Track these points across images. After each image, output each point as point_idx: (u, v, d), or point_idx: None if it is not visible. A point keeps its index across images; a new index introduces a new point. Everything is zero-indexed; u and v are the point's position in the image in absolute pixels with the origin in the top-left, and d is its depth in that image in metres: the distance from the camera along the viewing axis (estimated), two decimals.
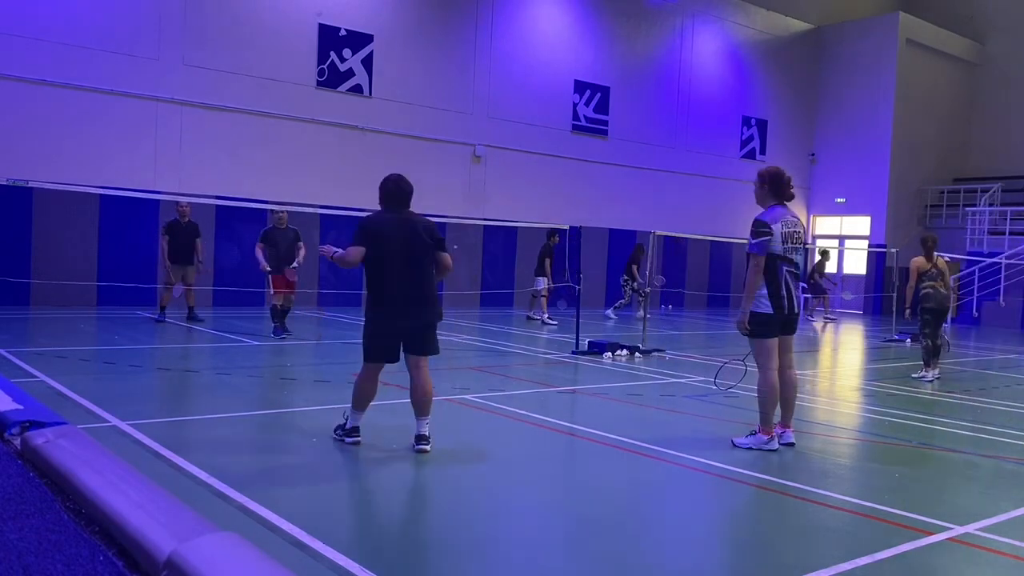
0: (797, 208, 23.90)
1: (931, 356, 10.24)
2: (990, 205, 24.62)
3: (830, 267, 23.22)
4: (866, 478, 5.63)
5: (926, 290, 10.21)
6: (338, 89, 17.67)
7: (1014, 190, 25.02)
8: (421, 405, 5.51)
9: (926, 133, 26.14)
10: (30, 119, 14.34)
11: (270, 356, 10.23)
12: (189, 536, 1.27)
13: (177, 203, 13.19)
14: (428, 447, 5.42)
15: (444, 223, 17.05)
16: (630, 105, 22.48)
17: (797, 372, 6.50)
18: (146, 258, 14.95)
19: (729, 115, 24.82)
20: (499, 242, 19.79)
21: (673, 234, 17.73)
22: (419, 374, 5.55)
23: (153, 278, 14.18)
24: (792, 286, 6.04)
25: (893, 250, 19.06)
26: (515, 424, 6.68)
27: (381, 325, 5.52)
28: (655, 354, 11.56)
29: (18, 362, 8.27)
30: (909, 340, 14.88)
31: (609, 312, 18.30)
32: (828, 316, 20.47)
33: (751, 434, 6.08)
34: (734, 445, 6.04)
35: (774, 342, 6.03)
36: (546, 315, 15.95)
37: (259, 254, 11.46)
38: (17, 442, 1.91)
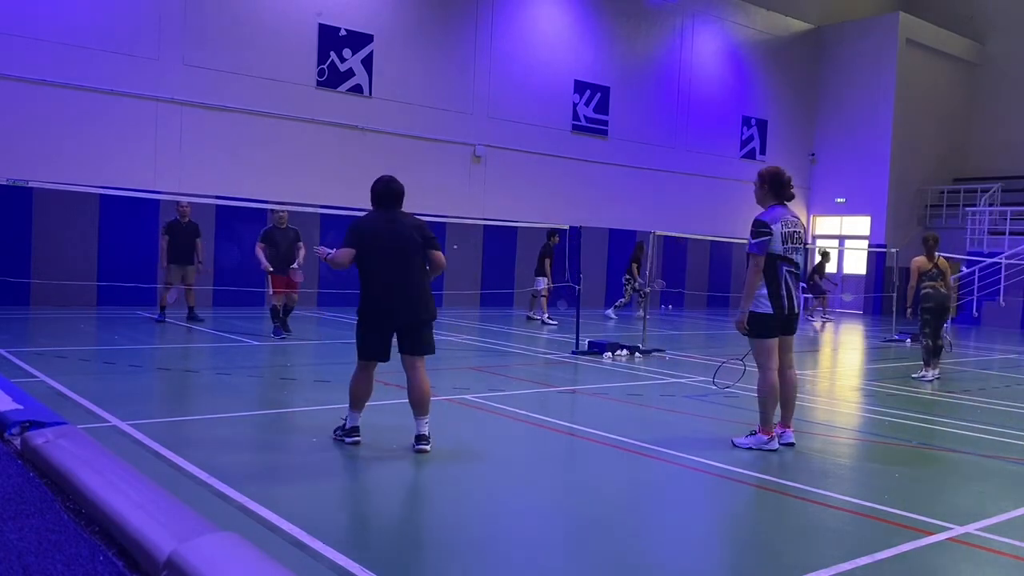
0: (797, 208, 23.90)
1: (931, 356, 10.23)
2: (990, 205, 24.62)
3: (830, 268, 23.21)
4: (866, 478, 5.63)
5: (926, 290, 10.21)
6: (338, 89, 17.67)
7: (1014, 190, 25.02)
8: (419, 405, 5.52)
9: (926, 133, 26.15)
10: (30, 119, 14.34)
11: (270, 356, 10.24)
12: (189, 536, 1.27)
13: (177, 203, 13.19)
14: (428, 447, 5.43)
15: (444, 223, 17.07)
16: (630, 105, 22.48)
17: (797, 372, 6.50)
18: (146, 258, 14.94)
19: (729, 115, 24.83)
20: (499, 242, 19.79)
21: (673, 234, 17.73)
22: (415, 374, 5.55)
23: (153, 278, 14.18)
24: (792, 286, 6.04)
25: (893, 250, 19.06)
26: (515, 424, 6.68)
27: (371, 324, 5.56)
28: (655, 354, 11.56)
29: (18, 362, 8.27)
30: (909, 340, 14.88)
31: (609, 312, 18.30)
32: (826, 316, 20.48)
33: (751, 434, 6.08)
34: (734, 445, 6.04)
35: (774, 342, 6.03)
36: (546, 315, 15.95)
37: (260, 254, 11.46)
38: (17, 442, 1.92)
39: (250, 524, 3.90)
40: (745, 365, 7.02)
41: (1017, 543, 4.19)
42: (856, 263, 26.37)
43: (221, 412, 6.72)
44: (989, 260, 22.16)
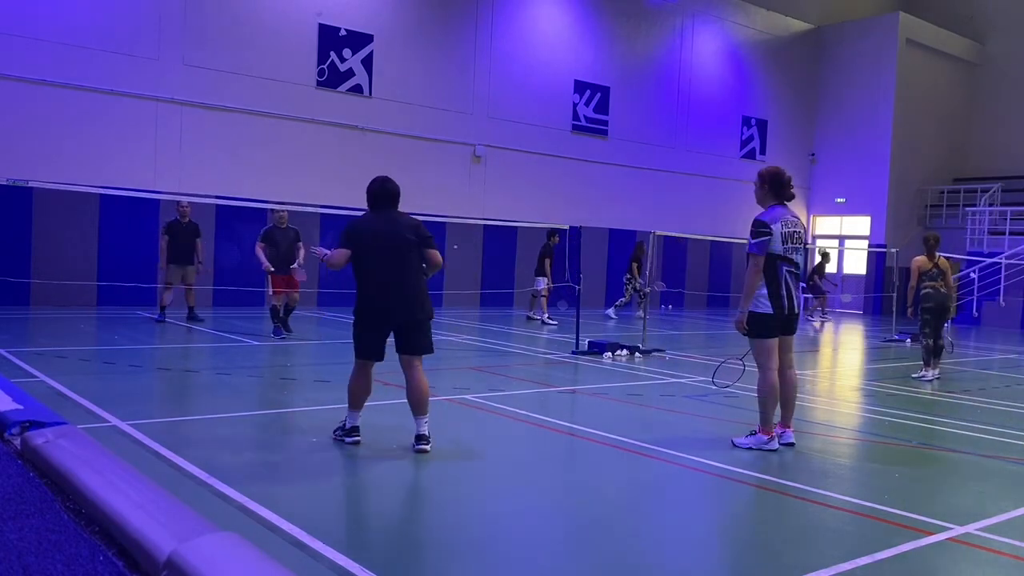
0: (797, 208, 23.90)
1: (931, 356, 10.23)
2: (990, 205, 24.62)
3: (830, 268, 23.22)
4: (866, 478, 5.63)
5: (926, 290, 10.21)
6: (338, 89, 17.67)
7: (1014, 190, 25.02)
8: (418, 404, 5.52)
9: (926, 133, 26.15)
10: (30, 119, 14.35)
11: (270, 356, 10.24)
12: (189, 536, 1.27)
13: (177, 203, 13.19)
14: (428, 447, 5.43)
15: (444, 223, 17.08)
16: (630, 105, 22.48)
17: (797, 372, 6.50)
18: (146, 258, 14.94)
19: (729, 115, 24.83)
20: (499, 242, 19.79)
21: (673, 234, 17.73)
22: (413, 374, 5.56)
23: (153, 278, 14.17)
24: (792, 286, 6.04)
25: (893, 250, 19.06)
26: (515, 424, 6.68)
27: (368, 323, 5.59)
28: (655, 354, 11.56)
29: (18, 362, 8.27)
30: (909, 340, 14.88)
31: (610, 311, 18.30)
32: (824, 316, 20.49)
33: (751, 434, 6.08)
34: (734, 445, 6.04)
35: (774, 342, 6.03)
36: (546, 315, 15.95)
37: (260, 254, 11.45)
38: (17, 442, 1.92)
39: (250, 524, 3.90)
40: (744, 365, 7.02)
41: (1017, 543, 4.19)
42: (856, 263, 26.37)
43: (221, 412, 6.72)
44: (989, 260, 22.16)
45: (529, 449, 6.01)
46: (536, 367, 10.36)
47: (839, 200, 26.41)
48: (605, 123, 22.01)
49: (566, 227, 14.92)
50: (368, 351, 5.61)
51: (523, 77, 20.44)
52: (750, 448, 5.96)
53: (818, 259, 20.95)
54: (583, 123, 21.60)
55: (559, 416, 7.06)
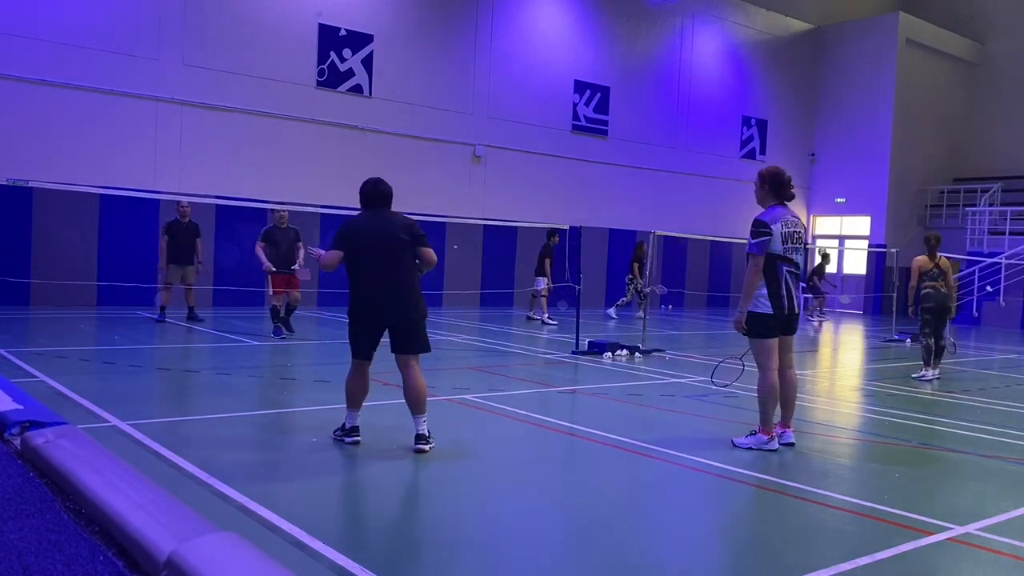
0: (797, 208, 23.89)
1: (931, 356, 10.23)
2: (990, 205, 24.62)
3: (830, 269, 23.21)
4: (866, 478, 5.63)
5: (927, 290, 10.21)
6: (338, 89, 17.67)
7: (1014, 190, 25.02)
8: (415, 403, 5.53)
9: (926, 133, 26.15)
10: (30, 119, 14.35)
11: (270, 356, 10.24)
12: (189, 536, 1.27)
13: (178, 203, 13.19)
14: (427, 447, 5.42)
15: (444, 223, 17.07)
16: (630, 105, 22.48)
17: (797, 372, 6.50)
18: (146, 258, 14.94)
19: (729, 115, 24.83)
20: (499, 242, 19.79)
21: (673, 234, 17.73)
22: (410, 373, 5.57)
23: (153, 278, 14.16)
24: (792, 286, 6.04)
25: (893, 250, 19.06)
26: (515, 424, 6.68)
27: (362, 323, 5.62)
28: (655, 354, 11.56)
29: (18, 362, 8.27)
30: (909, 340, 14.88)
31: (611, 311, 18.32)
32: (822, 316, 20.50)
33: (751, 434, 6.08)
34: (734, 445, 6.04)
35: (774, 342, 6.03)
36: (546, 315, 15.95)
37: (260, 253, 11.45)
38: (17, 442, 1.92)
39: (250, 524, 3.90)
40: (744, 364, 7.02)
41: (1017, 543, 4.19)
42: (856, 263, 26.37)
43: (221, 412, 6.72)
44: (989, 260, 22.16)
45: (529, 449, 6.01)
46: (536, 367, 10.36)
47: (839, 200, 26.41)
48: (605, 123, 22.01)
49: (566, 227, 14.92)
50: (364, 351, 5.63)
51: (523, 77, 20.44)
52: (750, 448, 5.96)
53: (818, 260, 20.95)
54: (583, 123, 21.60)
55: (559, 416, 7.06)
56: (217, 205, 15.04)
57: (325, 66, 17.46)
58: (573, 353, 11.27)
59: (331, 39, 17.49)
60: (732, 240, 18.56)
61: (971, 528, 4.35)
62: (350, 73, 17.78)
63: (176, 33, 15.72)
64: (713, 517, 4.78)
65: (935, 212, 26.34)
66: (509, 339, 13.27)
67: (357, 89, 17.91)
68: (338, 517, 4.47)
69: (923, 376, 10.19)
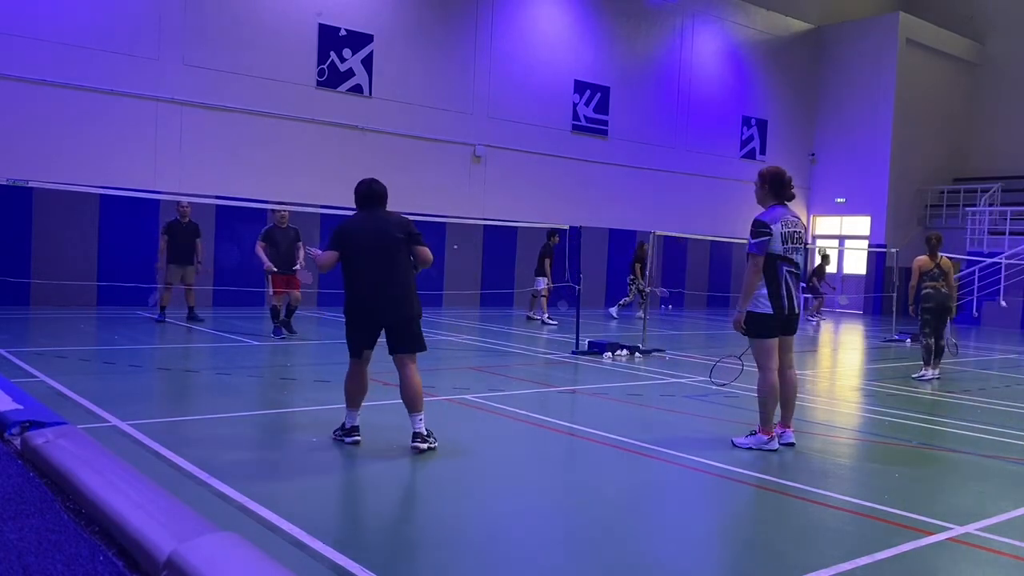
0: (797, 208, 23.88)
1: (931, 356, 10.23)
2: (990, 205, 24.62)
3: (830, 269, 23.22)
4: (866, 478, 5.63)
5: (927, 290, 10.21)
6: (338, 89, 17.67)
7: (1014, 190, 25.02)
8: (411, 401, 5.54)
9: (926, 133, 26.14)
10: (30, 119, 14.35)
11: (270, 356, 10.24)
12: (189, 536, 1.27)
13: (178, 203, 13.19)
14: (424, 445, 5.42)
15: (444, 223, 17.08)
16: (630, 105, 22.48)
17: (797, 372, 6.50)
18: (146, 258, 14.93)
19: (729, 115, 24.83)
20: (499, 242, 19.79)
21: (673, 234, 17.73)
22: (406, 372, 5.58)
23: (153, 278, 14.17)
24: (792, 286, 6.04)
25: (893, 250, 19.06)
26: (515, 424, 6.68)
27: (358, 322, 5.64)
28: (655, 354, 11.56)
29: (18, 362, 8.27)
30: (909, 340, 14.88)
31: (612, 310, 18.33)
32: (820, 316, 20.50)
33: (751, 434, 6.08)
34: (734, 445, 6.04)
35: (774, 342, 6.03)
36: (546, 315, 15.95)
37: (261, 253, 11.44)
38: (17, 442, 1.92)
39: (250, 524, 3.90)
40: (743, 363, 7.02)
41: (1017, 543, 4.19)
42: (856, 263, 26.37)
43: (221, 412, 6.72)
44: (989, 260, 22.16)
45: (529, 449, 6.01)
46: (536, 367, 10.36)
47: (839, 200, 26.41)
48: (605, 123, 22.01)
49: (566, 227, 14.92)
50: (361, 350, 5.66)
51: (523, 77, 20.44)
52: (750, 448, 5.96)
53: (818, 260, 20.94)
54: (583, 123, 21.60)
55: (559, 416, 7.06)
56: (217, 205, 15.04)
57: (325, 66, 17.46)
58: (573, 353, 11.27)
59: (331, 39, 17.49)
60: (732, 240, 18.57)
61: (971, 528, 4.35)
62: (350, 73, 17.78)
63: (176, 33, 15.72)
64: (713, 517, 4.78)
65: (935, 212, 26.34)
66: (509, 339, 13.27)
67: (357, 89, 17.91)
68: (338, 517, 4.47)
69: (923, 376, 10.19)
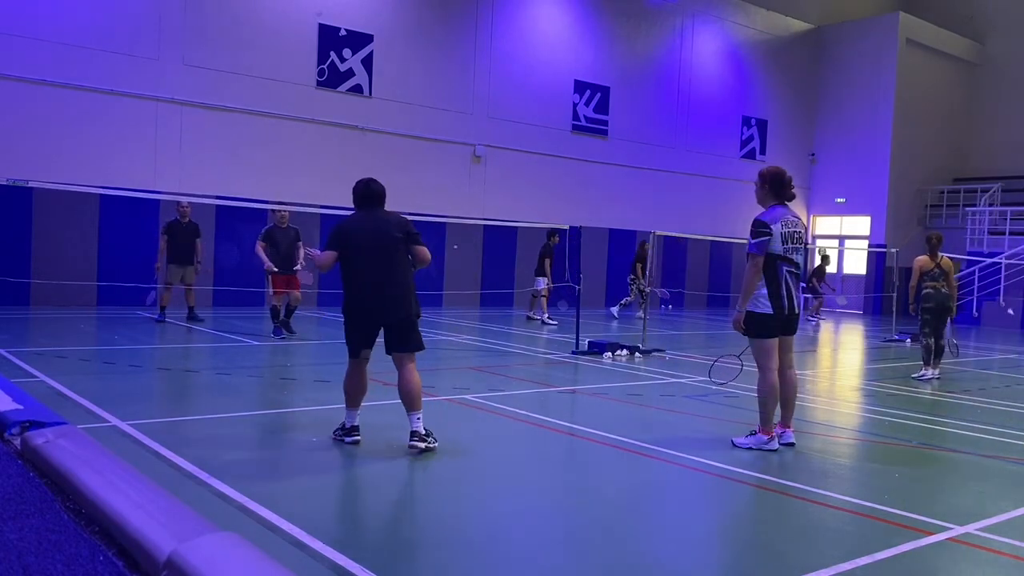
0: (797, 208, 23.88)
1: (931, 356, 10.23)
2: (990, 205, 24.62)
3: (830, 270, 23.22)
4: (866, 478, 5.63)
5: (927, 290, 10.20)
6: (338, 89, 17.67)
7: (1014, 190, 25.02)
8: (408, 400, 5.54)
9: (926, 133, 26.15)
10: (30, 119, 14.35)
11: (270, 356, 10.24)
12: (189, 536, 1.27)
13: (178, 203, 13.19)
14: (422, 444, 5.41)
15: (444, 223, 17.08)
16: (630, 105, 22.48)
17: (797, 372, 6.50)
18: (146, 258, 14.92)
19: (729, 115, 24.83)
20: (499, 242, 19.79)
21: (673, 234, 17.73)
22: (403, 371, 5.59)
23: (153, 278, 14.18)
24: (792, 286, 6.04)
25: (893, 250, 19.06)
26: (515, 424, 6.68)
27: (356, 322, 5.64)
28: (655, 354, 11.56)
29: (18, 362, 8.27)
30: (909, 340, 14.88)
31: (613, 310, 18.33)
32: (818, 316, 20.51)
33: (751, 434, 6.08)
34: (734, 445, 6.04)
35: (774, 342, 6.03)
36: (546, 315, 15.95)
37: (261, 253, 11.44)
38: (17, 442, 1.92)
39: (250, 524, 3.90)
40: (742, 363, 7.02)
41: (1017, 543, 4.19)
42: (856, 263, 26.37)
43: (221, 412, 6.72)
44: (989, 260, 22.16)
45: (529, 449, 6.01)
46: (536, 367, 10.36)
47: (839, 200, 26.41)
48: (605, 123, 22.01)
49: (566, 227, 14.92)
50: (360, 350, 5.66)
51: (523, 77, 20.44)
52: (750, 448, 5.96)
53: (818, 261, 20.93)
54: (583, 123, 21.60)
55: (559, 416, 7.06)
56: (217, 205, 15.04)
57: (325, 66, 17.46)
58: (573, 353, 11.27)
59: (331, 39, 17.50)
60: (732, 240, 18.57)
61: (971, 528, 4.35)
62: (350, 73, 17.78)
63: (176, 33, 15.72)
64: (713, 517, 4.78)
65: (935, 212, 26.34)
66: (509, 339, 13.27)
67: (357, 89, 17.91)
68: (338, 517, 4.47)
69: (923, 376, 10.19)
